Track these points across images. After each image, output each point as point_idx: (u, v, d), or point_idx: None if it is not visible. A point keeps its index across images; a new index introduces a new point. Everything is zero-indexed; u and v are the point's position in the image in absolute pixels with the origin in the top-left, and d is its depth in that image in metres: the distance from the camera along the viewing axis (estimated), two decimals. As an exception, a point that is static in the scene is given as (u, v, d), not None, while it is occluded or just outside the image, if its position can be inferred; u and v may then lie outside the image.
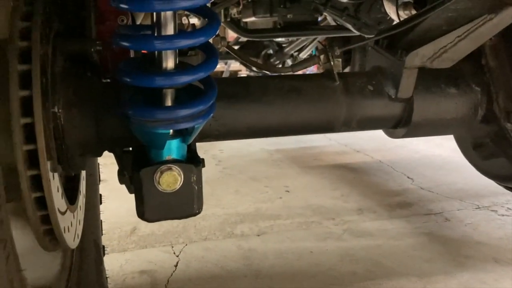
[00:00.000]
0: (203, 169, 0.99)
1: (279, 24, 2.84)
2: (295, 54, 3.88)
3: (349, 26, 2.39)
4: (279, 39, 3.52)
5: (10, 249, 0.58)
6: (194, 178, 0.96)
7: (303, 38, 3.39)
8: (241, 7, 2.90)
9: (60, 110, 0.97)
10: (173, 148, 0.95)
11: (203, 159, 1.07)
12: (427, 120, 1.24)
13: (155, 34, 0.82)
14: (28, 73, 0.85)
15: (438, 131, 1.30)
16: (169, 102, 0.88)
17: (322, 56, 1.20)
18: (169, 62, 0.85)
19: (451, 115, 1.24)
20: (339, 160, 3.96)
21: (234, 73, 7.64)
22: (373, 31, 2.41)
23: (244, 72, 7.30)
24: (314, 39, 3.46)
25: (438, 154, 3.90)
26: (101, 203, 1.74)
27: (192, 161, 0.98)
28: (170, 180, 0.93)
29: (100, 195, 1.75)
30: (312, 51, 4.14)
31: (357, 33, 2.44)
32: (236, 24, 2.93)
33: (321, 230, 2.49)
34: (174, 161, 0.95)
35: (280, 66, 4.02)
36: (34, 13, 0.91)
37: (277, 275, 2.03)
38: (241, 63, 4.51)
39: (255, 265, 2.12)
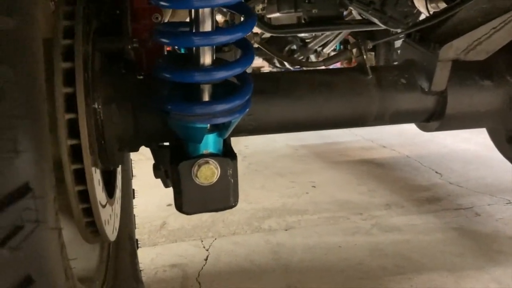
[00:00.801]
0: None
1: (303, 20, 2.84)
2: (319, 49, 3.87)
3: (375, 20, 2.37)
4: (303, 34, 3.51)
5: (63, 239, 0.61)
6: (230, 171, 0.98)
7: (327, 33, 3.38)
8: (265, 3, 2.90)
9: (100, 106, 0.99)
10: (210, 142, 0.97)
11: (235, 153, 1.09)
12: (460, 113, 1.23)
13: (193, 31, 0.83)
14: (72, 70, 0.88)
15: (472, 124, 1.28)
16: (206, 97, 0.90)
17: (354, 50, 1.20)
18: (207, 58, 0.87)
19: (485, 107, 1.23)
20: (365, 156, 3.94)
21: (257, 69, 7.65)
22: (400, 25, 2.39)
23: (266, 68, 7.31)
24: (338, 34, 3.44)
25: (467, 149, 3.84)
26: (134, 197, 1.77)
27: (228, 154, 1.00)
28: (208, 173, 0.95)
29: (133, 189, 1.79)
30: (336, 46, 4.13)
31: (383, 27, 2.43)
32: (261, 21, 2.94)
33: (349, 225, 2.49)
34: (211, 155, 0.97)
35: (309, 60, 4.01)
36: (75, 12, 0.93)
37: (306, 270, 2.04)
38: (264, 59, 4.51)
39: (284, 260, 2.13)
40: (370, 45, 1.20)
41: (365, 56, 1.17)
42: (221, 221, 2.57)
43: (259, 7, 3.00)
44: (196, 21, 0.83)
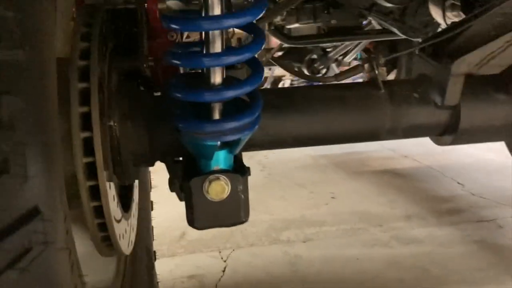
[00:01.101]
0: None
1: (323, 30, 2.85)
2: (340, 58, 3.87)
3: (395, 30, 2.37)
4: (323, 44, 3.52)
5: (73, 257, 0.64)
6: (241, 187, 1.00)
7: (347, 42, 3.38)
8: (285, 14, 2.92)
9: (115, 123, 1.02)
10: (221, 159, 0.99)
11: (248, 168, 1.10)
12: (474, 127, 1.22)
13: (204, 52, 0.86)
14: (87, 90, 0.91)
15: (487, 138, 1.27)
16: (217, 116, 0.92)
17: (366, 65, 1.21)
18: (217, 78, 0.89)
19: (500, 121, 1.21)
20: (386, 166, 3.91)
21: (278, 78, 7.69)
22: (420, 34, 2.38)
23: (288, 78, 7.34)
24: (359, 43, 3.44)
25: (491, 159, 3.77)
26: (152, 209, 1.81)
27: (239, 170, 1.02)
28: (218, 189, 0.97)
29: (152, 202, 1.82)
30: (357, 55, 4.12)
31: (403, 36, 2.42)
32: (280, 32, 2.96)
33: (367, 237, 2.47)
34: (221, 171, 0.98)
35: (324, 72, 4.02)
36: (92, 34, 0.97)
37: (323, 282, 2.04)
38: (284, 68, 4.53)
39: (301, 272, 2.13)
40: (382, 60, 1.20)
41: (376, 71, 1.18)
42: (239, 232, 2.59)
43: (277, 19, 3.03)
44: (206, 42, 0.85)
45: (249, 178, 1.04)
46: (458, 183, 3.27)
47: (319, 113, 1.20)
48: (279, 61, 1.53)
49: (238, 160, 1.08)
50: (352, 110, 1.21)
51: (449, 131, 1.24)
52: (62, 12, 1.14)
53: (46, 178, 0.51)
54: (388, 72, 3.95)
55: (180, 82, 0.93)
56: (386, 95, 1.21)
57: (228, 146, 0.98)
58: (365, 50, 4.08)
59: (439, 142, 1.31)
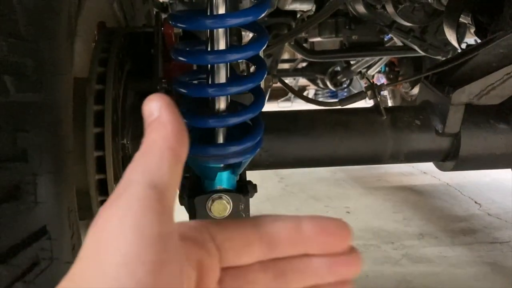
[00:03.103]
0: (266, 186, 1.08)
1: (344, 45, 2.90)
2: (363, 71, 3.90)
3: (415, 47, 2.40)
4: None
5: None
6: (242, 206, 1.06)
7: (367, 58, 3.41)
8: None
9: (128, 142, 1.10)
10: (224, 179, 1.05)
11: (255, 185, 1.16)
12: (475, 155, 1.25)
13: (209, 82, 0.93)
14: (102, 112, 0.99)
15: (488, 165, 1.30)
16: (220, 140, 0.98)
17: (369, 92, 1.26)
18: (222, 104, 0.95)
19: (501, 150, 1.24)
20: (404, 182, 3.91)
21: (303, 88, 7.78)
22: (440, 52, 2.41)
23: (312, 87, 7.42)
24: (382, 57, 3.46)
25: (510, 179, 3.73)
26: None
27: (241, 190, 1.08)
28: (220, 208, 1.03)
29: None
30: (381, 68, 4.13)
31: (423, 54, 2.45)
32: (300, 47, 3.02)
33: (379, 254, 2.49)
34: (224, 191, 1.05)
35: (347, 85, 4.05)
36: (109, 59, 1.05)
37: (331, 297, 2.07)
38: (308, 79, 4.59)
39: (310, 285, 2.17)
40: (385, 88, 1.25)
41: (378, 99, 1.23)
42: (252, 243, 2.64)
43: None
44: (212, 73, 0.92)
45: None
46: (475, 202, 3.26)
47: (323, 136, 1.25)
48: (285, 83, 1.58)
49: (241, 180, 1.14)
50: (355, 134, 1.26)
51: (450, 158, 1.28)
52: (84, 36, 1.23)
53: (54, 202, 0.58)
54: (413, 87, 3.96)
55: (186, 108, 1.00)
56: (388, 121, 1.26)
57: (231, 167, 1.04)
58: (390, 63, 4.10)
59: (441, 168, 1.35)
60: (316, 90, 8.84)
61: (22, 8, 0.55)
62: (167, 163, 0.30)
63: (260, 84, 1.04)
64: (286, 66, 4.71)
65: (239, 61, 1.10)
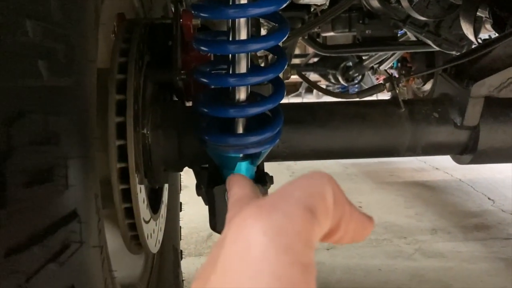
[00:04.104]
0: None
1: (357, 40, 2.88)
2: (376, 66, 3.88)
3: (430, 42, 2.38)
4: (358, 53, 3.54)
5: (105, 253, 0.72)
6: (261, 196, 1.06)
7: (381, 52, 3.39)
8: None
9: (148, 132, 1.11)
10: (243, 169, 1.06)
11: (271, 177, 1.17)
12: (494, 148, 1.24)
13: (230, 72, 0.93)
14: (124, 102, 1.00)
15: (506, 159, 1.29)
16: (240, 130, 0.99)
17: (387, 84, 1.25)
18: (242, 95, 0.96)
19: (520, 143, 1.23)
20: (417, 177, 3.89)
21: (314, 83, 7.77)
22: (455, 47, 2.39)
23: (323, 83, 7.41)
24: (394, 52, 3.44)
25: (525, 176, 3.70)
26: (180, 210, 1.90)
27: (260, 180, 1.09)
28: (239, 198, 1.04)
29: (180, 203, 1.91)
30: (393, 64, 4.11)
31: (437, 48, 2.43)
32: (313, 41, 3.01)
33: (391, 249, 2.49)
34: (243, 181, 1.06)
35: (359, 80, 4.03)
36: (130, 49, 1.06)
37: (344, 290, 2.08)
38: (320, 74, 4.58)
39: (322, 279, 2.18)
40: (403, 80, 1.25)
41: (397, 91, 1.22)
42: (265, 236, 2.65)
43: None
44: (232, 63, 0.93)
45: (277, 184, 1.10)
46: (489, 198, 3.24)
47: (340, 128, 1.25)
48: (303, 76, 1.58)
49: (259, 170, 1.15)
50: (373, 126, 1.25)
51: (468, 151, 1.27)
52: (104, 26, 1.24)
53: (83, 186, 0.59)
54: (425, 82, 3.94)
55: (207, 98, 1.01)
56: (406, 114, 1.25)
57: (250, 157, 1.05)
58: (402, 59, 4.08)
59: (458, 161, 1.34)
60: (327, 86, 8.83)
61: (54, -7, 0.56)
62: None
63: (279, 75, 1.04)
64: (297, 61, 4.70)
65: (258, 52, 1.10)
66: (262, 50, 1.05)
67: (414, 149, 1.27)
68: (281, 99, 0.99)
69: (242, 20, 0.89)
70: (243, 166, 1.06)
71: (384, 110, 1.27)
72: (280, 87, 1.00)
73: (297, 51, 4.89)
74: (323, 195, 0.37)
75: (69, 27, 0.59)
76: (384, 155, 1.31)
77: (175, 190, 1.79)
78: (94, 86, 0.70)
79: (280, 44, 1.18)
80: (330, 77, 4.37)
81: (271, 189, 1.19)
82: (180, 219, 1.88)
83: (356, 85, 4.39)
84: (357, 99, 1.35)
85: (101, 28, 1.23)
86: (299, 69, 4.46)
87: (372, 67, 3.96)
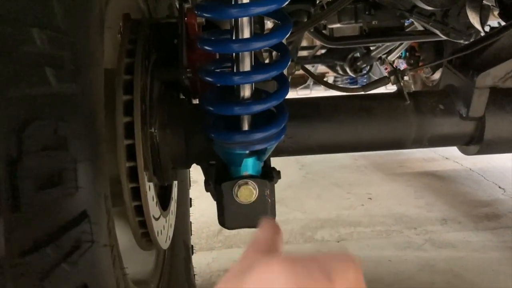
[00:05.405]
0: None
1: (364, 31, 2.87)
2: (384, 57, 3.86)
3: (437, 32, 2.37)
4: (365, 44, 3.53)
5: (116, 252, 0.74)
6: (268, 191, 1.08)
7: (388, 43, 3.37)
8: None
9: (156, 131, 1.13)
10: (249, 165, 1.07)
11: (279, 172, 1.19)
12: (500, 138, 1.24)
13: (234, 70, 0.95)
14: (131, 102, 1.02)
15: (513, 149, 1.30)
16: (246, 127, 1.00)
17: (392, 77, 1.26)
18: (246, 92, 0.97)
19: (526, 133, 1.24)
20: (427, 167, 3.88)
21: (322, 75, 7.74)
22: (462, 36, 2.37)
23: (331, 74, 7.38)
24: (402, 42, 3.42)
25: (536, 164, 3.68)
26: (191, 206, 1.92)
27: (267, 176, 1.10)
28: (247, 193, 1.06)
29: (190, 199, 1.93)
30: (401, 54, 4.08)
31: (444, 38, 2.41)
32: (320, 33, 3.00)
33: (401, 239, 2.50)
34: (250, 177, 1.07)
35: (367, 71, 4.01)
36: (136, 50, 1.08)
37: (354, 282, 2.09)
38: (327, 66, 4.56)
39: (333, 271, 2.19)
40: (408, 73, 1.25)
41: (402, 83, 1.23)
42: (275, 229, 2.67)
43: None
44: (236, 61, 0.94)
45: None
46: (499, 187, 3.22)
47: (346, 122, 1.26)
48: (308, 70, 1.59)
49: (266, 166, 1.16)
50: (378, 120, 1.26)
51: (475, 142, 1.27)
52: (110, 27, 1.26)
53: (93, 188, 0.61)
54: (433, 72, 3.91)
55: (212, 96, 1.02)
56: (411, 106, 1.26)
57: (256, 154, 1.07)
58: (410, 48, 4.05)
59: (465, 152, 1.35)
60: (335, 77, 8.79)
61: (59, 0, 0.58)
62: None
63: (283, 72, 1.05)
64: (305, 53, 4.68)
65: (262, 49, 1.11)
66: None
67: (420, 141, 1.28)
68: (286, 96, 1.00)
69: (245, 19, 0.90)
70: (249, 162, 1.08)
71: (389, 103, 1.27)
72: (284, 84, 1.01)
73: (304, 43, 4.88)
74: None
75: (74, 33, 0.60)
76: (390, 148, 1.31)
77: (184, 186, 1.81)
78: (101, 90, 0.72)
79: (284, 41, 1.19)
80: (338, 68, 4.35)
81: (278, 184, 1.20)
82: (190, 214, 1.91)
83: (365, 76, 4.37)
84: (362, 93, 1.36)
85: (108, 29, 1.25)
86: (307, 61, 4.46)
87: (380, 58, 3.94)
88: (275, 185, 1.15)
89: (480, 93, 1.20)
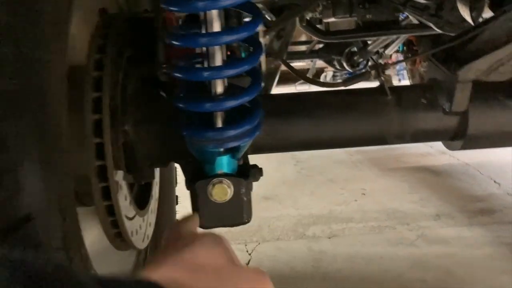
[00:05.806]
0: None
1: (359, 25, 2.84)
2: (381, 50, 3.82)
3: (431, 25, 2.33)
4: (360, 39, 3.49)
5: (75, 254, 0.72)
6: (243, 190, 1.05)
7: (384, 37, 3.34)
8: (320, 8, 2.93)
9: (129, 128, 1.10)
10: (224, 163, 1.04)
11: (260, 169, 1.16)
12: (484, 132, 1.21)
13: (205, 66, 0.92)
14: (100, 99, 0.99)
15: (497, 143, 1.26)
16: (219, 123, 0.98)
17: (373, 72, 1.23)
18: (218, 88, 0.94)
19: (511, 127, 1.20)
20: (422, 162, 3.85)
21: (320, 70, 7.70)
22: (456, 29, 2.34)
23: (330, 69, 7.34)
24: (399, 36, 3.38)
25: (532, 158, 3.64)
26: (177, 203, 1.90)
27: (242, 174, 1.07)
28: (221, 192, 1.03)
29: (177, 196, 1.91)
30: (399, 47, 4.04)
31: (438, 31, 2.38)
32: (313, 27, 2.97)
33: (393, 235, 2.47)
34: (225, 175, 1.04)
35: (365, 65, 3.97)
36: (107, 45, 1.05)
37: (344, 279, 2.07)
38: (325, 61, 4.53)
39: (323, 268, 2.17)
40: (390, 67, 1.22)
41: (382, 78, 1.20)
42: (267, 226, 2.65)
43: (309, 15, 3.03)
44: (207, 55, 0.91)
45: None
46: (495, 182, 3.19)
47: (326, 118, 1.23)
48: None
49: (244, 164, 1.13)
50: (359, 115, 1.23)
51: (458, 137, 1.24)
52: (85, 20, 1.22)
53: (37, 189, 0.59)
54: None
55: (184, 92, 0.99)
56: (393, 101, 1.23)
57: (231, 151, 1.04)
58: (408, 42, 4.02)
59: (449, 147, 1.32)
60: (334, 72, 8.73)
61: (1, -5, 0.55)
62: None
63: (257, 67, 1.02)
64: (303, 48, 4.65)
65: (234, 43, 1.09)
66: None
67: (402, 137, 1.25)
68: (259, 91, 0.97)
69: (214, 12, 0.87)
70: (224, 160, 1.05)
71: (371, 98, 1.25)
72: (257, 79, 0.98)
73: (303, 38, 4.84)
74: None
75: (18, 28, 0.57)
76: (372, 144, 1.29)
77: (169, 184, 1.78)
78: (57, 84, 0.69)
79: (261, 36, 1.16)
80: (335, 63, 4.32)
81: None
82: (177, 212, 1.88)
83: (362, 71, 4.33)
84: (345, 88, 1.33)
85: (85, 24, 1.22)
86: (304, 57, 4.42)
87: (377, 52, 3.91)
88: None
89: (463, 87, 1.17)
